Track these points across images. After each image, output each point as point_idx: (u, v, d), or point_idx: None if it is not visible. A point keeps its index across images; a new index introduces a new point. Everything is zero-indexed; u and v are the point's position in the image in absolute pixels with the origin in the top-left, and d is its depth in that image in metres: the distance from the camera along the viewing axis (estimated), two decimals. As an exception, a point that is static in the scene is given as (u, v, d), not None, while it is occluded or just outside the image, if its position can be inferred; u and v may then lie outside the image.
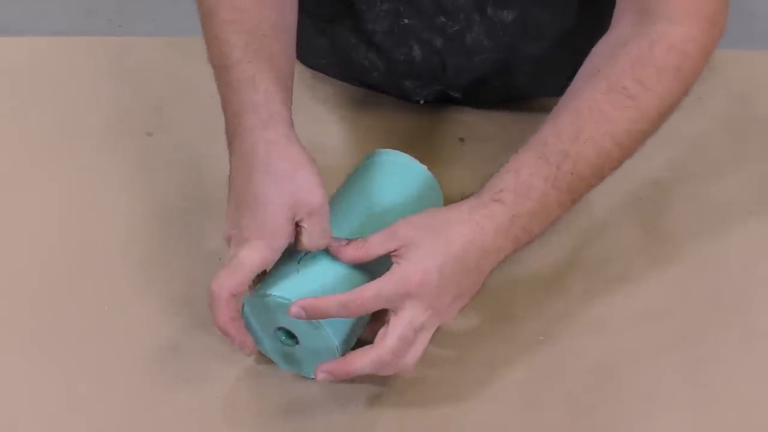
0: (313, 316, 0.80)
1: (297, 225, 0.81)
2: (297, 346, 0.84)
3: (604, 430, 0.85)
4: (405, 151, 0.92)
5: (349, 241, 0.82)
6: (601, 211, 1.00)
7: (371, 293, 0.79)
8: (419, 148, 0.95)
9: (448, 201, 0.89)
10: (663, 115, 0.88)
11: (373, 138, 1.07)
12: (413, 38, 1.02)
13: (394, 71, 1.06)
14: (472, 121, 1.08)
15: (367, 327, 0.85)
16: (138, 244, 0.96)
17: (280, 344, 0.84)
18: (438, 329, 0.83)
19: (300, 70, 1.07)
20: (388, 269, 0.81)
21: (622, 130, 0.86)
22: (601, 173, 0.86)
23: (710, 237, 0.98)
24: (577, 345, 0.89)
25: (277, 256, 0.82)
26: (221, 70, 0.87)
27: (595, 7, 0.99)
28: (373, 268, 0.83)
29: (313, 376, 0.83)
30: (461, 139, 1.06)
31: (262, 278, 0.84)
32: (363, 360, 0.81)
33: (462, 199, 0.85)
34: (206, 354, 0.87)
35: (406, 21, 1.01)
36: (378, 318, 0.82)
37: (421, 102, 1.08)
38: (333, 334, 0.82)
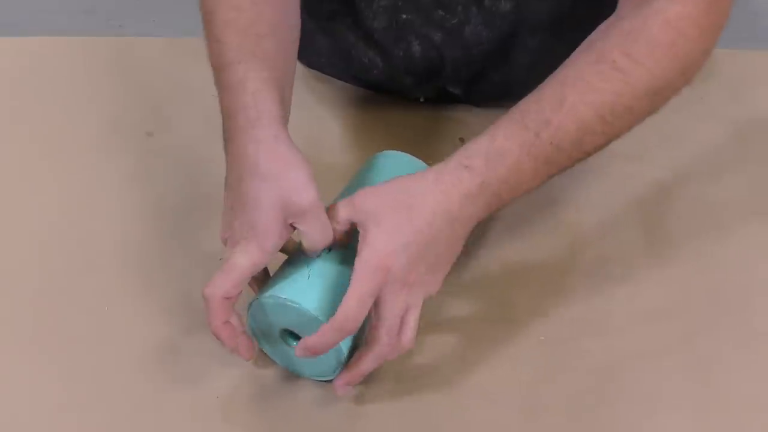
0: (318, 352, 0.79)
1: (293, 227, 0.81)
2: None
3: (605, 430, 0.84)
4: (405, 151, 0.92)
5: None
6: (602, 211, 1.00)
7: (354, 301, 0.78)
8: (419, 147, 0.95)
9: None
10: (653, 94, 0.85)
11: (373, 137, 1.07)
12: (412, 33, 1.02)
13: (393, 68, 1.06)
14: (472, 121, 1.08)
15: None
16: (138, 244, 0.96)
17: (286, 347, 0.84)
18: (438, 330, 0.83)
19: (300, 70, 1.07)
20: None
21: (605, 101, 0.83)
22: (581, 146, 0.84)
23: (710, 237, 0.98)
24: (578, 345, 0.89)
25: (268, 257, 0.81)
26: (217, 71, 0.87)
27: None
28: None
29: (316, 378, 0.85)
30: (461, 139, 1.06)
31: (270, 280, 0.84)
32: (366, 361, 0.82)
33: None
34: (206, 354, 0.87)
35: (404, 16, 1.02)
36: None
37: (421, 100, 1.08)
38: None
